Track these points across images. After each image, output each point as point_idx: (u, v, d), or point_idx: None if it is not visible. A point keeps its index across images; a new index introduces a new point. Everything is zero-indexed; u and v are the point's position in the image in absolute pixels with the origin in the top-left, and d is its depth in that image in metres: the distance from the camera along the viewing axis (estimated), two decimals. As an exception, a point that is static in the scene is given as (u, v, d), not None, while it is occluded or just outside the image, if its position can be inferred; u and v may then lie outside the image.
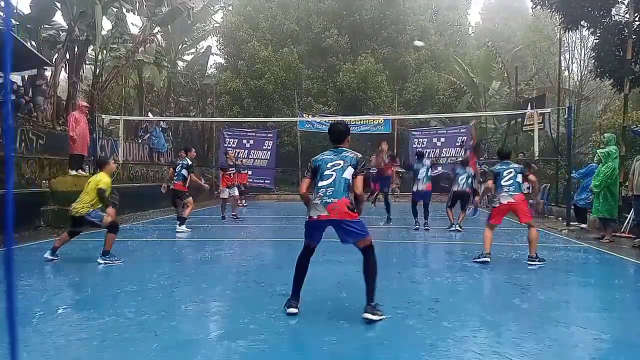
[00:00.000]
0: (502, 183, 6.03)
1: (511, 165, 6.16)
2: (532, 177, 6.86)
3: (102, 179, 5.97)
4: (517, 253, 6.71)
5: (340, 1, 21.52)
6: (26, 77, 13.73)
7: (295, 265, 3.83)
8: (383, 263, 6.29)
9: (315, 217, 3.64)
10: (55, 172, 10.47)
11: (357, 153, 3.85)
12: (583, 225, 9.71)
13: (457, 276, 5.35)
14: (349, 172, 3.67)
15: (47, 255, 5.95)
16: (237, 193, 11.84)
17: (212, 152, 21.12)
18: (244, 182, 16.52)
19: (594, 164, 8.95)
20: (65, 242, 6.09)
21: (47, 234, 8.57)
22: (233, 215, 11.42)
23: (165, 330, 3.40)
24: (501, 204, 6.00)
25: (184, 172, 9.12)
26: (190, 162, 9.30)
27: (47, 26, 15.01)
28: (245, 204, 15.58)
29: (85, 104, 10.53)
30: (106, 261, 5.80)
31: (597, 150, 8.45)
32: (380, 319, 3.52)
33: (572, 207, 10.14)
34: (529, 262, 5.82)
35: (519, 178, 6.04)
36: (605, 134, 8.85)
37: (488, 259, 5.89)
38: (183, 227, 8.96)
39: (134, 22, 46.48)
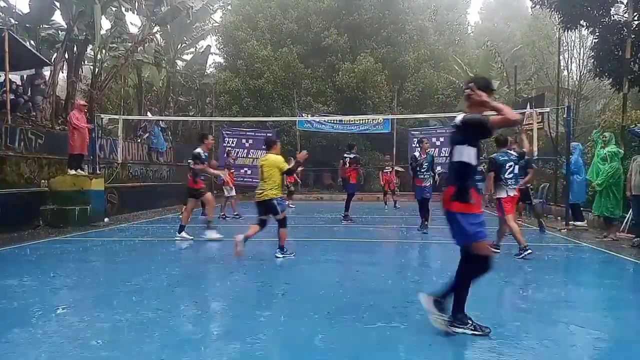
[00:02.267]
0: (506, 176, 6.27)
1: (511, 157, 6.41)
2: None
3: (278, 160, 6.14)
4: (513, 252, 6.71)
5: (339, 1, 21.52)
6: (25, 76, 13.72)
7: None
8: (383, 263, 6.31)
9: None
10: (54, 172, 10.45)
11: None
12: (580, 224, 9.72)
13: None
14: (458, 152, 3.09)
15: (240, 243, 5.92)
16: (234, 193, 11.78)
17: (211, 152, 21.10)
18: (292, 182, 15.84)
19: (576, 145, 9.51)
20: (256, 232, 6.12)
21: (46, 233, 8.57)
22: (222, 215, 11.22)
23: (165, 330, 3.40)
24: (509, 196, 6.27)
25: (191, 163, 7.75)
26: (198, 151, 7.71)
27: (46, 26, 14.99)
28: (292, 206, 14.87)
29: (83, 102, 10.49)
30: (285, 255, 6.13)
31: (604, 150, 8.33)
32: (465, 333, 3.12)
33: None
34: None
35: (516, 169, 6.34)
36: (605, 133, 8.84)
37: (530, 251, 6.10)
38: (209, 232, 7.78)
39: (133, 22, 46.27)
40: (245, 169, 18.98)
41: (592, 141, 9.67)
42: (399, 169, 17.41)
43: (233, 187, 11.45)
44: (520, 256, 6.06)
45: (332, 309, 3.92)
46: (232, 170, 11.65)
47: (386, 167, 14.95)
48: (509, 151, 6.57)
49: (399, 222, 11.38)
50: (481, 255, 3.02)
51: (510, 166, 6.30)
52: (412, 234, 9.09)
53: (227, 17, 23.34)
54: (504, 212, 6.24)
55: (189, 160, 7.82)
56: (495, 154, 6.65)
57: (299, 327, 3.49)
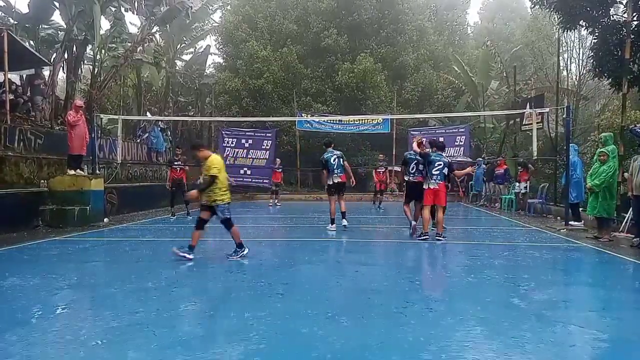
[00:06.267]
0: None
1: (415, 156, 8.09)
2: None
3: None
4: (513, 252, 6.73)
5: (339, 1, 21.53)
6: (24, 76, 13.72)
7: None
8: (382, 263, 6.30)
9: None
10: (53, 172, 10.44)
11: None
12: (577, 224, 9.72)
13: (455, 276, 5.35)
14: None
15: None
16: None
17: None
18: (278, 181, 16.66)
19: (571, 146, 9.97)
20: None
21: (45, 233, 8.56)
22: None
23: (165, 330, 3.39)
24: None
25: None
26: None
27: (45, 26, 15.00)
28: (279, 204, 15.74)
29: (79, 103, 10.43)
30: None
31: (602, 149, 8.31)
32: None
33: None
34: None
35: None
36: (602, 134, 8.85)
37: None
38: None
39: (133, 22, 46.34)
40: (245, 169, 18.98)
41: (596, 142, 9.71)
42: (398, 169, 17.43)
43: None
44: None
45: (332, 309, 3.92)
46: (174, 166, 12.19)
47: (380, 167, 14.95)
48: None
49: (397, 223, 11.36)
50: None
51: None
52: (410, 234, 9.08)
53: (226, 17, 23.36)
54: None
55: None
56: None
57: (299, 328, 3.48)
